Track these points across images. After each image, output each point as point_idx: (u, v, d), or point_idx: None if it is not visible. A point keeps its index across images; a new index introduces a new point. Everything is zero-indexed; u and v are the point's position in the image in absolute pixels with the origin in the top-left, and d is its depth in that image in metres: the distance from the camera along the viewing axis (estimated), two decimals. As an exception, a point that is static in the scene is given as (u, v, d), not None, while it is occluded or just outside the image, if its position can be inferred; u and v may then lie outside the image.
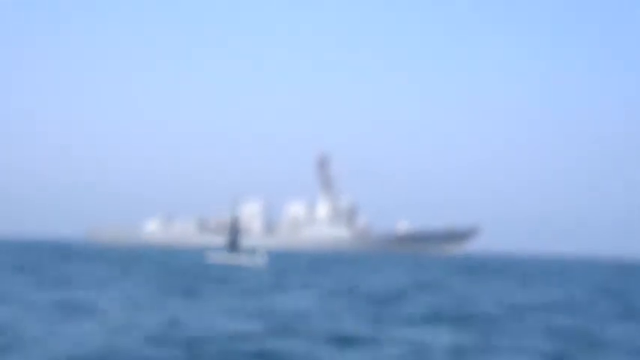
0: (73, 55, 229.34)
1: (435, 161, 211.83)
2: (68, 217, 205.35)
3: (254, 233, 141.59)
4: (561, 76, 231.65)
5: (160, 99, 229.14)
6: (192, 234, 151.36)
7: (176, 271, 44.18)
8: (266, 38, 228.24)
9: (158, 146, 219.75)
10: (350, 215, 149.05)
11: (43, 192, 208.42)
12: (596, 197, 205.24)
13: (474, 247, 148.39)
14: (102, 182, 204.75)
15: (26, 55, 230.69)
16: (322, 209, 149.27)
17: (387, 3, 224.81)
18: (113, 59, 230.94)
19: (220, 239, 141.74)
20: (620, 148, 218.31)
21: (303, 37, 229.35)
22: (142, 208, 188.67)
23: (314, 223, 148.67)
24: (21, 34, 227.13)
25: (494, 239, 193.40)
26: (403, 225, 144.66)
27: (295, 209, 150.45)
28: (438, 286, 36.94)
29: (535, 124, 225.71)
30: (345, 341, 16.64)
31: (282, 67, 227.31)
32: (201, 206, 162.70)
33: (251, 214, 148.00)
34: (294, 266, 57.52)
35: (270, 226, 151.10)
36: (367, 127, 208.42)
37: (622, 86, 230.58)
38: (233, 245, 62.70)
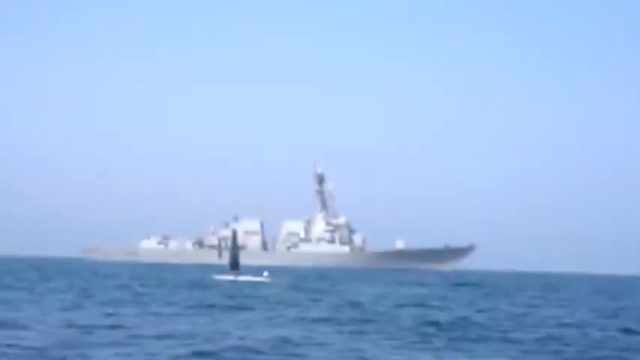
0: (71, 78, 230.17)
1: (432, 181, 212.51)
2: (64, 235, 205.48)
3: (252, 251, 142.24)
4: (558, 98, 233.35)
5: (157, 120, 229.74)
6: (189, 252, 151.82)
7: (197, 288, 45.12)
8: (263, 51, 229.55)
9: (155, 166, 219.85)
10: (347, 233, 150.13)
11: (40, 211, 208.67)
12: (591, 216, 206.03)
13: (470, 264, 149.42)
14: (99, 202, 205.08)
15: (20, 67, 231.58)
16: (319, 227, 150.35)
17: (388, 9, 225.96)
18: (112, 79, 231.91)
19: (216, 257, 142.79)
20: (618, 169, 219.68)
21: (299, 47, 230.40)
22: (137, 229, 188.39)
23: (311, 240, 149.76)
24: (17, 36, 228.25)
25: (490, 257, 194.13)
26: (400, 243, 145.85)
27: (292, 227, 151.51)
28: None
29: (534, 146, 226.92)
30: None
31: (279, 79, 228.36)
32: (197, 225, 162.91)
33: (249, 232, 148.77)
34: (300, 282, 58.34)
35: (267, 244, 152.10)
36: (365, 144, 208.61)
37: (617, 108, 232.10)
38: (235, 263, 62.96)
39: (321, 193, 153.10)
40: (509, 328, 25.12)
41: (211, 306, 30.07)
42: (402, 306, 32.73)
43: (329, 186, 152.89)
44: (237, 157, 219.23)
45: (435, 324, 24.63)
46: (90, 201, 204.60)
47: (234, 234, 66.61)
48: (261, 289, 46.29)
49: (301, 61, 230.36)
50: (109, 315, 25.09)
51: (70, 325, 21.73)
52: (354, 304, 32.52)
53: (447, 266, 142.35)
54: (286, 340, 19.47)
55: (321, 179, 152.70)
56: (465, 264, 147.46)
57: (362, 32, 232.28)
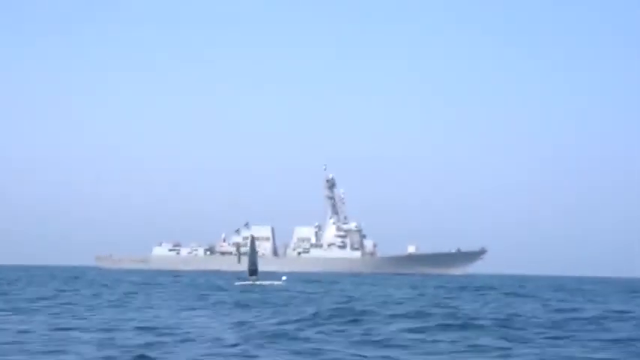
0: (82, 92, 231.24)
1: (443, 185, 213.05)
2: (77, 244, 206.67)
3: (264, 257, 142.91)
4: (563, 103, 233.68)
5: (164, 129, 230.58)
6: (201, 259, 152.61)
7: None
8: (271, 59, 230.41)
9: (164, 173, 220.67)
10: (358, 238, 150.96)
11: (53, 221, 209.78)
12: (593, 219, 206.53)
13: (481, 268, 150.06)
14: (111, 211, 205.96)
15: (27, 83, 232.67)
16: (330, 232, 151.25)
17: (390, 10, 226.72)
18: (123, 92, 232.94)
19: (229, 263, 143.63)
20: (620, 169, 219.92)
21: (307, 53, 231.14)
22: (149, 237, 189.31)
23: (322, 246, 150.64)
24: (17, 45, 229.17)
25: (501, 260, 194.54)
26: (411, 248, 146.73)
27: (303, 232, 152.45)
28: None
29: (536, 147, 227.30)
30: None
31: (288, 85, 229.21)
32: (209, 233, 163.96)
33: (260, 238, 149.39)
34: (314, 285, 59.18)
35: (278, 250, 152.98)
36: (375, 149, 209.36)
37: (623, 113, 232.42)
38: (254, 269, 63.43)
39: (331, 198, 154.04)
40: (572, 324, 25.11)
41: (251, 305, 30.97)
42: (435, 305, 33.40)
43: (339, 191, 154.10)
44: (247, 163, 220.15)
45: (479, 325, 24.69)
46: (102, 210, 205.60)
47: (253, 240, 66.78)
48: (286, 292, 47.23)
49: (310, 68, 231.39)
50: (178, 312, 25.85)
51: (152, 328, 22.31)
52: (385, 302, 33.40)
53: (459, 270, 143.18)
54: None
55: (331, 185, 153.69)
56: (476, 268, 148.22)
57: (363, 35, 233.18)
